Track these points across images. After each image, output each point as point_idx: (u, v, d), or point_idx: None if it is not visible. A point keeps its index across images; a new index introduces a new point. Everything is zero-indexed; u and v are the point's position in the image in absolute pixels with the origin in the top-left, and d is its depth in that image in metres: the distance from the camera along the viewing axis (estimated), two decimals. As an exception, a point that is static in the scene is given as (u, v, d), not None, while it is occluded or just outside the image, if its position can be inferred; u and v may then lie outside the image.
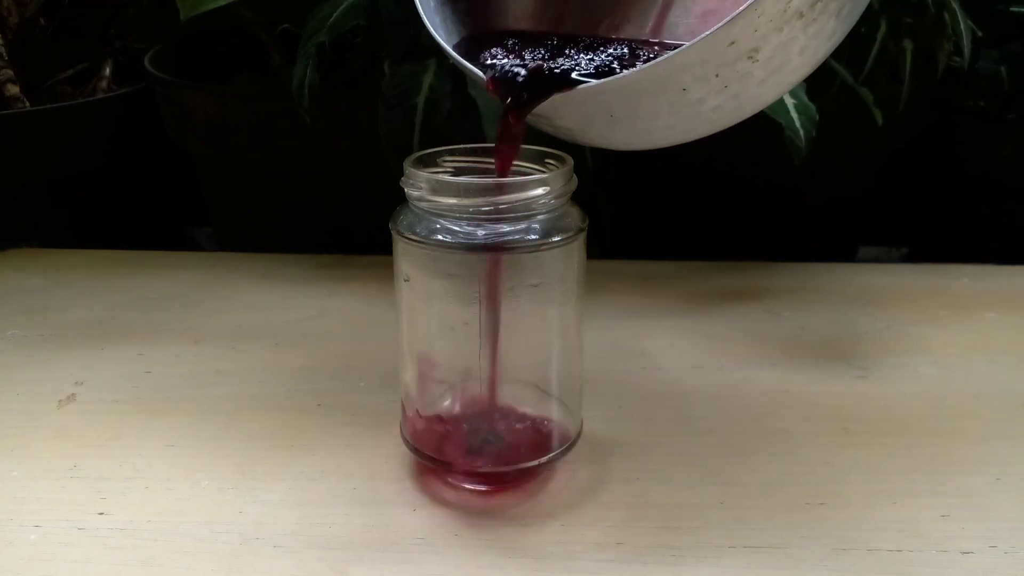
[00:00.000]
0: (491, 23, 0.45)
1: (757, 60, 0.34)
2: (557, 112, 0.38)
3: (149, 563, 0.39)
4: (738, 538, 0.41)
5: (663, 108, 0.36)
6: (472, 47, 0.42)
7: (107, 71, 0.85)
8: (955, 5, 0.67)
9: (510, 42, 0.42)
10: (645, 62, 0.36)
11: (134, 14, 0.88)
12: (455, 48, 0.42)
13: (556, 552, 0.40)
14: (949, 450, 0.48)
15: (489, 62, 0.40)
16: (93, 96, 0.83)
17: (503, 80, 0.38)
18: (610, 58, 0.39)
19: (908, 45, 0.70)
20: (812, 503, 0.43)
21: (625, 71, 0.35)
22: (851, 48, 0.72)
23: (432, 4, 0.42)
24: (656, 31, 0.45)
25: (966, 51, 0.68)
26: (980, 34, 0.74)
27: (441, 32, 0.41)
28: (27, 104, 0.78)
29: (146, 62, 0.80)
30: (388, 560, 0.39)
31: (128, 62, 0.86)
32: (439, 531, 0.41)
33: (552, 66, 0.38)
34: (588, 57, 0.39)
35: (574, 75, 0.37)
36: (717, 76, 0.34)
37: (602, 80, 0.36)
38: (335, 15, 0.63)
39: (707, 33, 0.32)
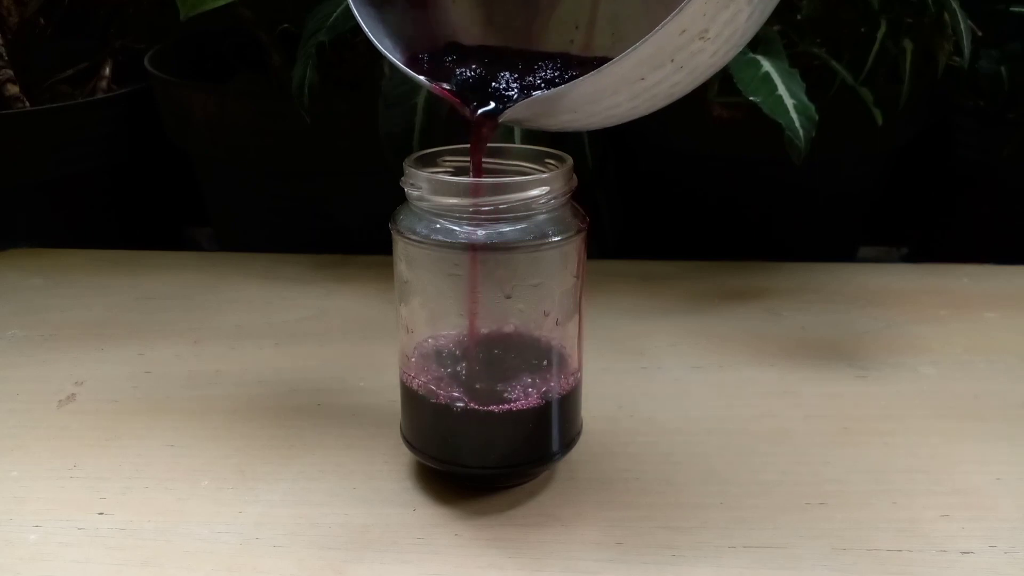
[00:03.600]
0: (431, 34, 0.46)
1: (708, 38, 0.35)
2: (521, 115, 0.40)
3: (149, 563, 0.39)
4: (738, 538, 0.41)
5: (623, 97, 0.37)
6: (417, 59, 0.44)
7: (107, 71, 0.85)
8: (955, 5, 0.67)
9: (457, 57, 0.44)
10: (595, 65, 0.37)
11: (134, 14, 0.88)
12: (405, 63, 0.43)
13: (556, 552, 0.40)
14: (949, 450, 0.48)
15: (452, 77, 0.41)
16: (93, 96, 0.83)
17: (475, 97, 0.40)
18: (564, 65, 0.41)
19: (908, 45, 0.70)
20: (812, 503, 0.43)
21: (585, 75, 0.36)
22: (851, 48, 0.73)
23: (374, 13, 0.42)
24: (587, 45, 0.47)
25: (966, 51, 0.68)
26: (980, 34, 0.74)
27: (387, 43, 0.42)
28: (27, 104, 0.78)
29: (146, 62, 0.80)
30: (388, 560, 0.39)
31: (128, 62, 0.86)
32: (439, 531, 0.41)
33: (518, 80, 0.40)
34: (547, 68, 0.41)
35: (539, 87, 0.40)
36: (672, 61, 0.35)
37: (564, 86, 0.37)
38: (335, 15, 0.63)
39: (658, 28, 0.33)
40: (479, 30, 0.47)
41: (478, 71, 0.41)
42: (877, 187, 0.82)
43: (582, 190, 0.42)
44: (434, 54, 0.44)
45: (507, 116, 0.40)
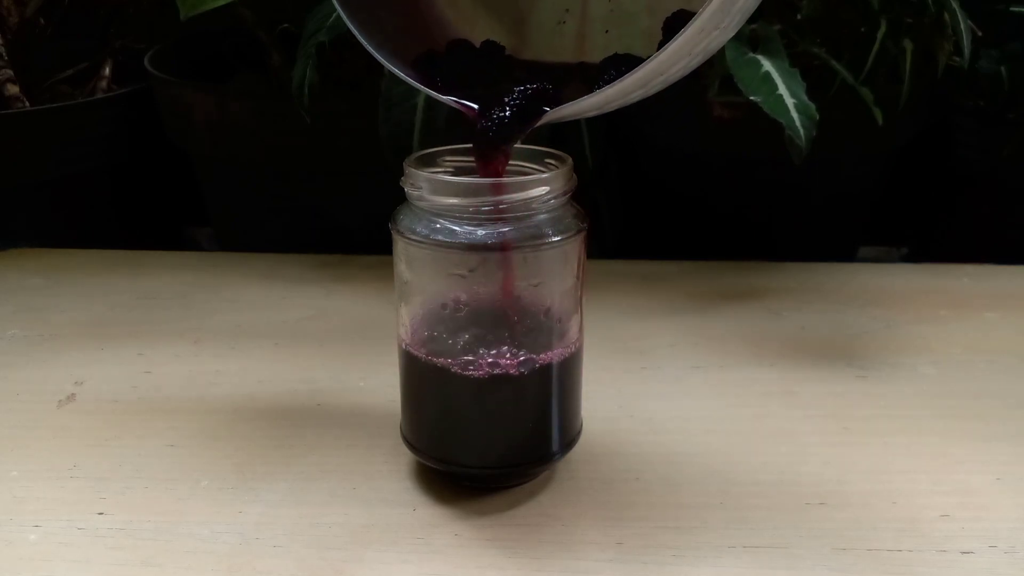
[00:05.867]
0: (421, 20, 0.46)
1: (722, 27, 0.35)
2: (547, 121, 0.40)
3: (149, 563, 0.39)
4: (738, 538, 0.41)
5: (639, 92, 0.38)
6: (419, 64, 0.44)
7: (107, 71, 0.85)
8: (955, 5, 0.67)
9: (458, 60, 0.44)
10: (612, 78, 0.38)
11: (134, 14, 0.88)
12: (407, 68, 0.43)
13: (556, 552, 0.40)
14: (949, 450, 0.48)
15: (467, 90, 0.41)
16: (93, 96, 0.83)
17: (497, 120, 0.40)
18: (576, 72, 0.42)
19: (908, 45, 0.70)
20: (812, 503, 0.43)
21: (606, 86, 0.36)
22: (851, 48, 0.72)
23: (365, 20, 0.43)
24: (583, 15, 0.47)
25: (966, 51, 0.68)
26: (980, 34, 0.74)
27: (384, 51, 0.42)
28: (27, 104, 0.78)
29: (146, 62, 0.80)
30: (388, 560, 0.39)
31: (128, 62, 0.86)
32: (439, 531, 0.41)
33: (541, 94, 0.40)
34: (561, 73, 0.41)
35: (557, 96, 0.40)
36: (690, 54, 0.36)
37: (585, 97, 0.37)
38: (335, 15, 0.63)
39: (678, 37, 0.34)
40: (468, 4, 0.47)
41: (491, 87, 0.41)
42: (877, 187, 0.82)
43: (582, 190, 0.42)
44: (437, 60, 0.44)
45: (531, 127, 0.40)
